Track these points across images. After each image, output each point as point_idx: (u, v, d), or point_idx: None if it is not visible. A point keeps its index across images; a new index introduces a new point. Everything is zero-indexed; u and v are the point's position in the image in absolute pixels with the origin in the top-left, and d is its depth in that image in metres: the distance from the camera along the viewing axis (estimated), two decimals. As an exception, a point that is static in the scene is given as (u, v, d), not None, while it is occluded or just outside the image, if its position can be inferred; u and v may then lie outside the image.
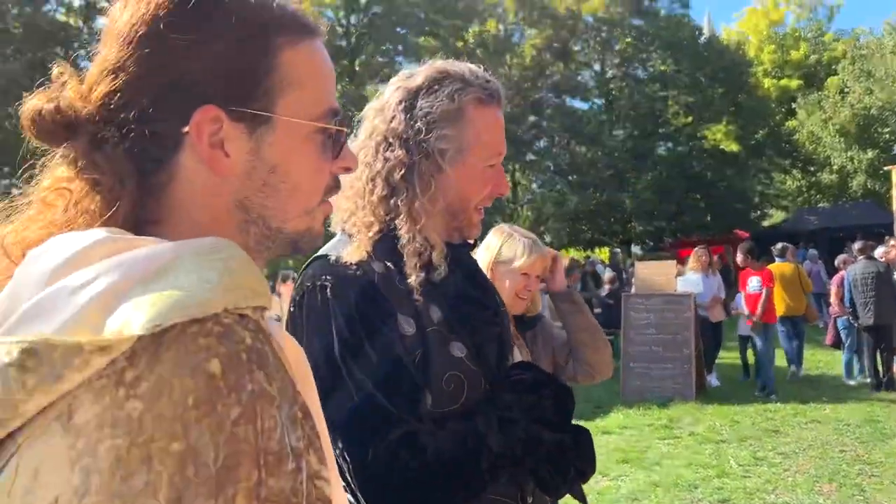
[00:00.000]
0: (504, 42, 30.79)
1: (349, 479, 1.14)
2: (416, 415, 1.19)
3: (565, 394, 1.31)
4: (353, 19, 29.06)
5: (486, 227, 1.94)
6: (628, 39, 31.92)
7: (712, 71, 30.35)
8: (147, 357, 0.52)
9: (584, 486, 1.36)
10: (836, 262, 10.85)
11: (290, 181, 0.72)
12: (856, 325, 9.17)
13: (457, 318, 1.28)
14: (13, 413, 0.51)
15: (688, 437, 7.04)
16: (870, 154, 28.35)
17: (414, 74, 1.35)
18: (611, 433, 7.25)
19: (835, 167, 30.39)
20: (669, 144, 32.31)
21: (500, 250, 2.21)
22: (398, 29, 28.92)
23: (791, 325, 9.68)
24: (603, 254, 28.97)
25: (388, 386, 1.17)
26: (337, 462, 1.11)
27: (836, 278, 9.74)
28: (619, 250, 26.28)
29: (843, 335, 9.65)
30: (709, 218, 30.27)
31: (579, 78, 32.51)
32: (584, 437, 1.32)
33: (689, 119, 31.24)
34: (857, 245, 9.54)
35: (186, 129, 0.67)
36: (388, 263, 1.26)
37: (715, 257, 11.53)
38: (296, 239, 0.76)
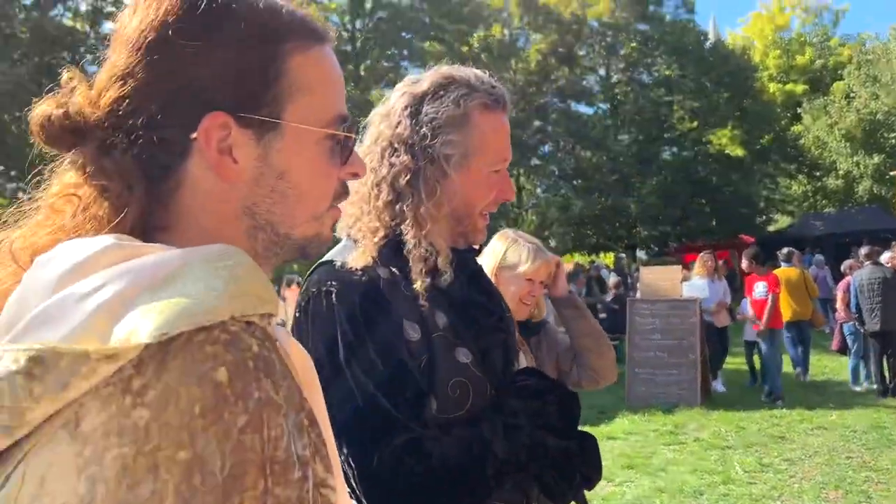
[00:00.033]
0: (509, 47, 30.82)
1: (354, 484, 1.14)
2: (421, 420, 1.19)
3: (571, 400, 1.30)
4: (358, 24, 29.14)
5: (491, 232, 1.93)
6: (633, 44, 31.93)
7: (717, 76, 30.35)
8: (154, 365, 0.52)
9: (589, 492, 1.36)
10: (842, 268, 10.81)
11: (298, 187, 0.72)
12: (862, 330, 9.14)
13: (462, 323, 1.28)
14: (20, 421, 0.51)
15: (693, 443, 7.01)
16: (876, 159, 28.28)
17: (420, 80, 1.35)
18: (616, 439, 7.22)
19: (841, 172, 30.32)
20: (675, 149, 32.31)
21: (504, 256, 2.21)
22: (403, 34, 28.98)
23: (797, 330, 9.64)
24: (608, 259, 28.94)
25: (392, 391, 1.16)
26: (342, 467, 1.10)
27: (842, 284, 9.71)
28: (623, 255, 26.28)
29: (849, 341, 9.61)
30: (714, 223, 30.24)
31: (584, 83, 32.53)
32: (590, 444, 1.31)
33: (695, 124, 31.23)
34: (863, 250, 9.50)
35: (195, 135, 0.67)
36: (394, 269, 1.26)
37: (720, 262, 11.49)
38: (304, 245, 0.76)
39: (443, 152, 1.30)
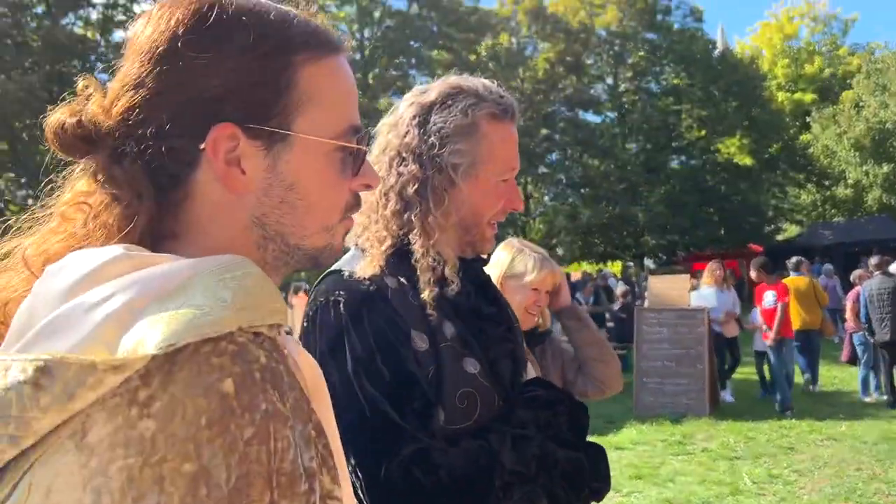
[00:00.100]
0: (517, 55, 30.90)
1: (361, 495, 1.14)
2: (428, 430, 1.18)
3: (580, 411, 1.30)
4: (366, 33, 29.27)
5: (498, 241, 1.93)
6: (641, 53, 31.96)
7: (726, 84, 30.33)
8: (161, 376, 0.52)
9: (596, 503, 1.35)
10: (851, 278, 10.75)
11: (307, 198, 0.72)
12: (872, 341, 9.07)
13: (470, 333, 1.28)
14: (27, 431, 0.51)
15: (701, 453, 6.96)
16: (885, 168, 28.15)
17: (428, 90, 1.36)
18: (623, 449, 7.18)
19: (850, 181, 30.18)
20: (683, 158, 32.29)
21: (510, 265, 2.20)
22: (411, 42, 29.09)
23: (805, 339, 9.58)
24: (615, 267, 28.91)
25: (399, 402, 1.16)
26: (349, 478, 1.10)
27: (851, 294, 9.65)
28: (631, 264, 26.22)
29: (859, 351, 9.54)
30: (722, 232, 30.15)
31: (592, 91, 32.58)
32: (599, 455, 1.30)
33: (703, 133, 31.20)
34: (873, 260, 9.44)
35: (203, 146, 0.67)
36: (402, 278, 1.26)
37: (728, 271, 11.45)
38: (315, 255, 0.76)
39: (451, 161, 1.30)
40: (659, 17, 32.25)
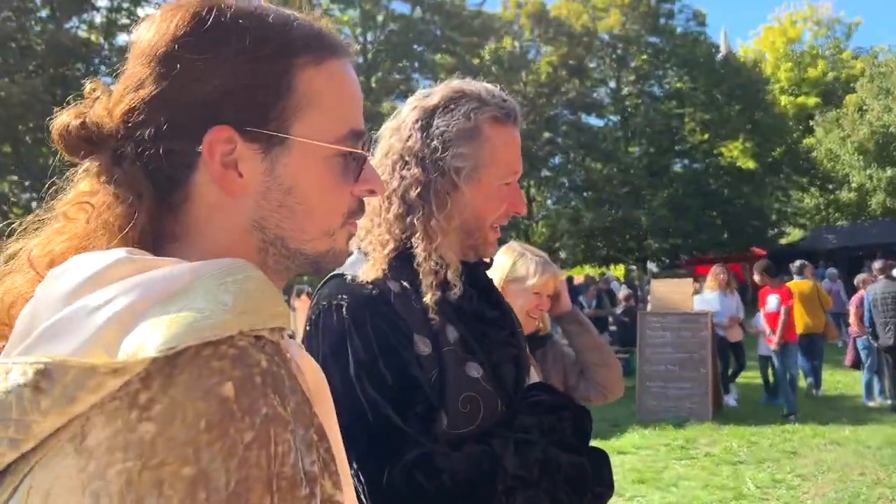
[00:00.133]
0: (520, 59, 30.93)
1: (364, 499, 1.13)
2: (431, 434, 1.18)
3: (584, 416, 1.29)
4: (369, 36, 29.32)
5: (500, 244, 1.93)
6: (644, 57, 31.97)
7: (729, 88, 30.32)
8: (161, 380, 0.51)
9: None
10: (855, 282, 10.72)
11: (306, 203, 0.72)
12: (875, 345, 9.05)
13: (473, 337, 1.28)
14: (27, 434, 0.51)
15: (704, 457, 6.94)
16: (889, 172, 28.12)
17: (431, 93, 1.36)
18: (626, 453, 7.16)
19: (853, 185, 30.14)
20: (685, 161, 32.28)
21: (511, 269, 2.20)
22: (414, 46, 29.12)
23: (809, 343, 9.56)
24: (618, 271, 28.87)
25: (402, 406, 1.16)
26: (352, 482, 1.10)
27: (855, 298, 9.63)
28: (634, 267, 26.19)
29: (862, 355, 9.52)
30: (725, 235, 30.12)
31: (595, 95, 32.59)
32: (603, 460, 1.30)
33: (706, 136, 31.19)
34: (877, 264, 9.42)
35: (201, 148, 0.67)
36: (404, 282, 1.26)
37: (731, 275, 11.43)
38: (317, 260, 0.75)
39: (453, 165, 1.29)
40: (662, 20, 32.25)
